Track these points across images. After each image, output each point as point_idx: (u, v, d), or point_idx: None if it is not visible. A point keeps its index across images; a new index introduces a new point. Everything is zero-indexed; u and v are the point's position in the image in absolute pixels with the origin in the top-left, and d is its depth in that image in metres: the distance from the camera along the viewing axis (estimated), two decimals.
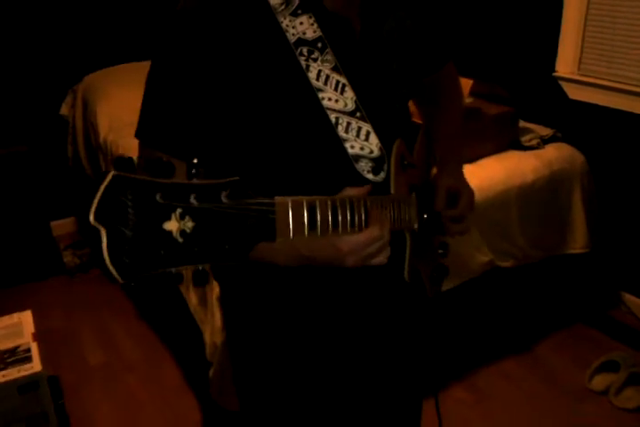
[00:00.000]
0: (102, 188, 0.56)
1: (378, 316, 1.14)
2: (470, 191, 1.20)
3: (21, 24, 2.90)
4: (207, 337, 1.91)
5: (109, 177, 0.56)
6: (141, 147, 0.92)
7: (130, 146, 2.52)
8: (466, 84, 2.27)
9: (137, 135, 0.91)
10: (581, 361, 2.22)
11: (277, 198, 0.69)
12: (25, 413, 1.78)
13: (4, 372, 1.75)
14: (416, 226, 1.04)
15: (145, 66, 3.19)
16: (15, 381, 1.73)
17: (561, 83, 2.45)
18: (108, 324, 2.60)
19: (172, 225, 0.58)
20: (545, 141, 2.35)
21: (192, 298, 2.01)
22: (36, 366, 1.77)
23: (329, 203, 0.77)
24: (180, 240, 0.59)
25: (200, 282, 0.63)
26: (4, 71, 2.91)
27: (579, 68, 2.40)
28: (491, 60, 2.73)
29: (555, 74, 2.45)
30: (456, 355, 2.21)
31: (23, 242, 2.86)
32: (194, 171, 0.62)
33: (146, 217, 0.57)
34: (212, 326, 1.88)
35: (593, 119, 2.39)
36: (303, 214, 0.72)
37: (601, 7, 2.26)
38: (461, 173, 1.22)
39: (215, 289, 1.85)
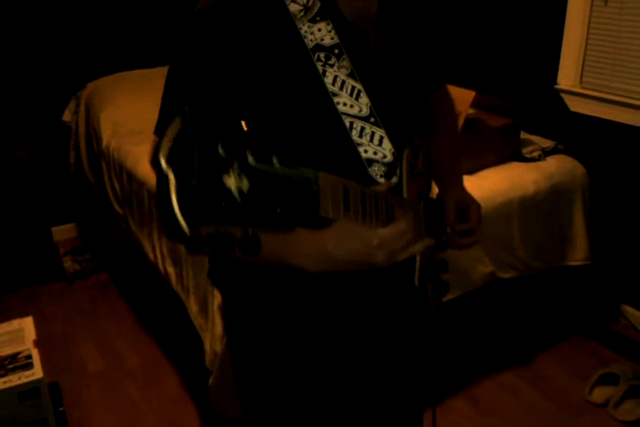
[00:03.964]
0: (173, 130, 0.53)
1: (383, 323, 1.14)
2: (478, 205, 1.21)
3: (25, 30, 2.91)
4: (207, 345, 1.91)
5: (179, 120, 0.54)
6: None
7: (133, 153, 2.53)
8: (468, 95, 2.28)
9: (157, 133, 0.91)
10: (581, 373, 2.22)
11: (321, 172, 0.67)
12: (25, 419, 1.77)
13: (4, 378, 1.74)
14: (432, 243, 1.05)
15: (149, 73, 3.22)
16: (16, 387, 1.73)
17: (562, 95, 2.46)
18: (107, 330, 2.59)
19: (231, 181, 0.55)
20: (546, 153, 2.37)
21: (192, 305, 2.01)
22: (37, 372, 1.76)
23: (358, 188, 0.76)
24: (239, 200, 0.55)
25: (251, 250, 0.59)
26: (6, 77, 2.92)
27: (580, 81, 2.42)
28: (493, 73, 2.74)
29: (556, 86, 2.46)
30: (456, 366, 2.21)
31: (24, 247, 2.86)
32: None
33: (209, 167, 0.53)
34: (213, 333, 1.88)
35: (594, 132, 2.41)
36: (339, 193, 0.71)
37: (603, 21, 2.28)
38: (465, 189, 1.24)
39: (216, 297, 1.85)
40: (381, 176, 0.93)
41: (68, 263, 3.00)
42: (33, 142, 3.01)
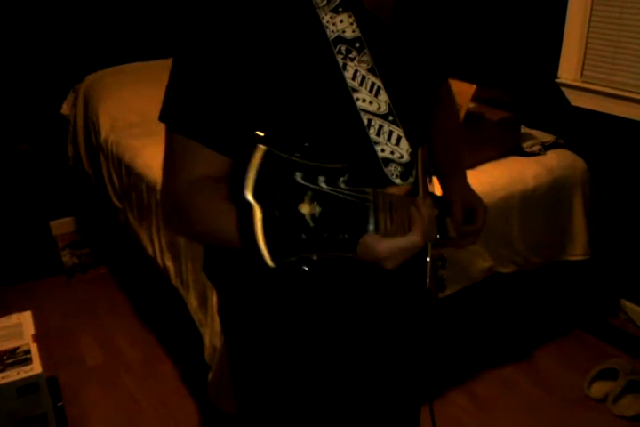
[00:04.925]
0: (257, 163, 0.54)
1: (383, 322, 1.13)
2: (485, 207, 1.19)
3: (23, 23, 2.89)
4: (207, 340, 1.91)
5: (261, 152, 0.54)
6: (171, 135, 0.88)
7: (131, 146, 2.52)
8: (469, 89, 2.26)
9: (164, 119, 0.87)
10: (580, 368, 2.22)
11: (377, 189, 0.67)
12: (24, 415, 1.77)
13: (3, 373, 1.74)
14: (437, 235, 1.05)
15: (147, 66, 3.19)
16: (14, 382, 1.72)
17: (563, 89, 2.45)
18: (106, 325, 2.59)
19: (305, 208, 0.56)
20: (546, 148, 2.35)
21: (192, 301, 2.01)
22: (35, 367, 1.76)
23: (399, 201, 0.75)
24: (312, 225, 0.57)
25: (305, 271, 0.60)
26: (5, 70, 2.90)
27: (581, 75, 2.40)
28: (494, 66, 2.73)
29: (557, 80, 2.45)
30: (455, 361, 2.21)
31: (22, 241, 2.85)
32: (298, 154, 0.59)
33: (288, 197, 0.55)
34: (212, 328, 1.87)
35: (595, 126, 2.40)
36: (388, 209, 0.70)
37: (604, 14, 2.26)
38: (471, 188, 1.23)
39: (216, 291, 1.84)
40: (397, 176, 0.91)
41: (66, 257, 2.99)
42: (32, 135, 2.99)
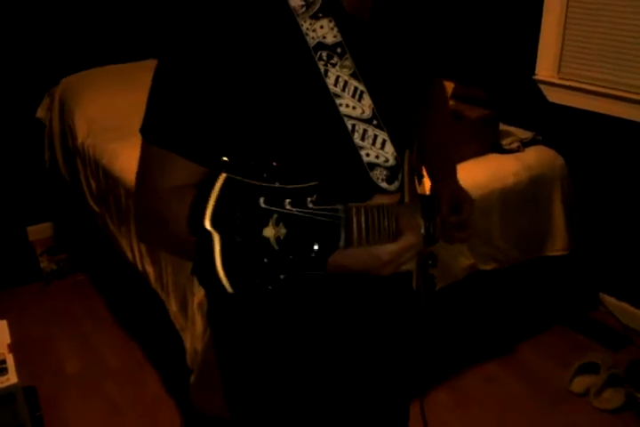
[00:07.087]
0: (216, 190, 0.54)
1: (374, 323, 1.13)
2: (471, 198, 1.20)
3: None
4: (188, 344, 1.89)
5: (222, 179, 0.55)
6: (147, 146, 0.87)
7: (109, 150, 2.49)
8: (447, 86, 2.26)
9: (145, 134, 0.86)
10: (562, 363, 2.23)
11: (350, 205, 0.68)
12: (1, 426, 1.74)
13: None
14: (423, 233, 1.06)
15: (122, 68, 3.15)
16: None
17: (541, 86, 2.46)
18: (85, 331, 2.55)
19: (269, 231, 0.57)
20: (525, 144, 2.37)
21: (172, 305, 1.98)
22: (12, 378, 1.72)
23: (375, 211, 0.76)
24: (276, 247, 0.57)
25: (275, 292, 0.61)
26: None
27: (558, 72, 2.41)
28: (471, 64, 2.73)
29: (535, 77, 2.46)
30: (438, 357, 2.21)
31: None
32: (265, 175, 0.60)
33: (250, 222, 0.56)
34: (193, 332, 1.86)
35: (572, 122, 2.41)
36: (362, 222, 0.72)
37: (580, 11, 2.27)
38: (459, 183, 1.23)
39: (196, 295, 1.83)
40: (383, 180, 0.90)
41: (44, 263, 2.95)
42: (7, 140, 2.94)
